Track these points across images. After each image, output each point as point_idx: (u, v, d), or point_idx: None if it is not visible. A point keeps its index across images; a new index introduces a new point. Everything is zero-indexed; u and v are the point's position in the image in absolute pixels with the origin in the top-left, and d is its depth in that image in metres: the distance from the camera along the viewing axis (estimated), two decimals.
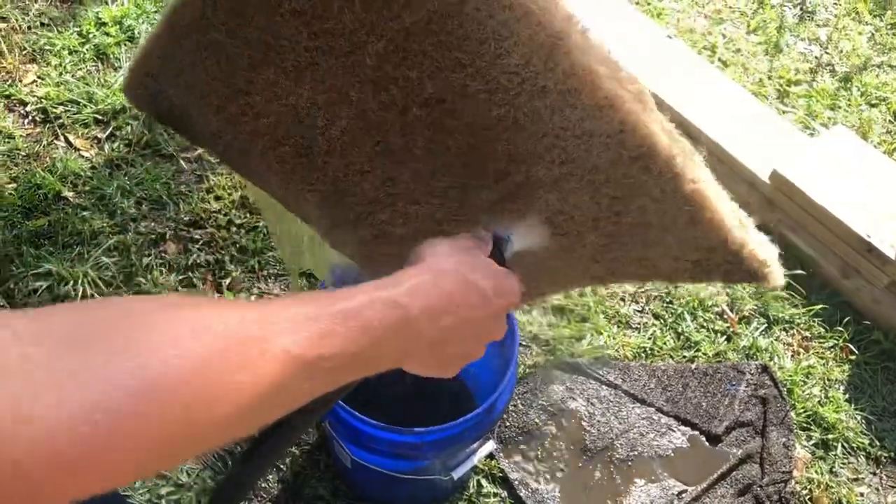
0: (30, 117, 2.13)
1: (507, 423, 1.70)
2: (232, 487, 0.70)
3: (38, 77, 2.21)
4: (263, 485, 1.58)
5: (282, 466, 1.61)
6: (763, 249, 0.80)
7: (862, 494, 1.71)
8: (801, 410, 1.79)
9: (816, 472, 1.72)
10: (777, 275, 0.82)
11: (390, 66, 0.76)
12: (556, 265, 0.91)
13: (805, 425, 1.78)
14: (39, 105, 2.14)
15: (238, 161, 0.95)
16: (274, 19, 0.76)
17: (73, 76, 2.21)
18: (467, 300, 0.66)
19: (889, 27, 2.73)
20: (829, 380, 1.86)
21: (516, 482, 1.63)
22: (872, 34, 2.70)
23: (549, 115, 0.72)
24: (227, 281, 1.85)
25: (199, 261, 1.87)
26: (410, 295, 0.61)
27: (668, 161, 0.71)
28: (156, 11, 2.39)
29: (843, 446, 1.76)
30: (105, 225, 1.90)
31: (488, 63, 0.72)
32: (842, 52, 2.63)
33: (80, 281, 1.77)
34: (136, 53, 0.86)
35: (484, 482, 1.62)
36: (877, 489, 1.73)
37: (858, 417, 1.80)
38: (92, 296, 1.76)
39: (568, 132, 0.73)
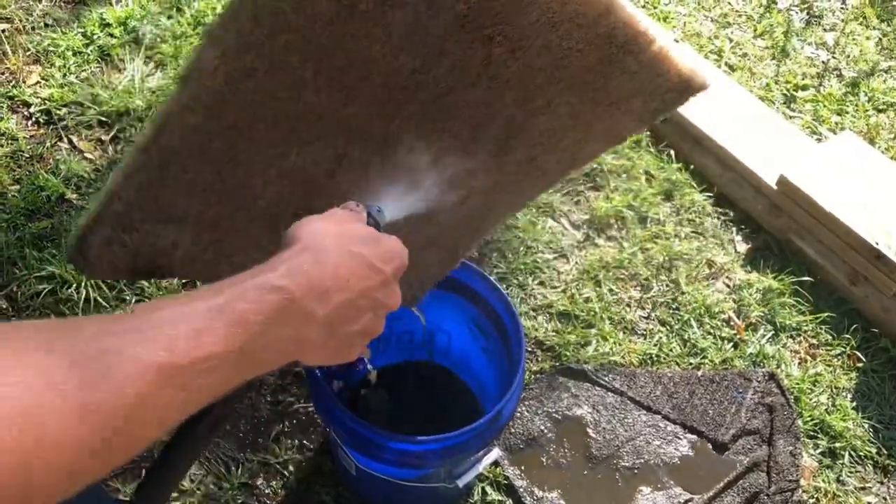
0: (33, 119, 2.12)
1: (513, 431, 1.69)
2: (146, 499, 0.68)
3: (42, 78, 2.20)
4: (267, 491, 1.57)
5: (285, 472, 1.60)
6: (696, 65, 0.92)
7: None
8: (809, 418, 1.78)
9: (823, 480, 1.71)
10: (704, 76, 0.92)
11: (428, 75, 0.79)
12: (515, 189, 1.01)
13: (812, 433, 1.77)
14: (43, 106, 2.13)
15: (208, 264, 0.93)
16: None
17: (77, 77, 2.20)
18: (356, 272, 0.62)
19: None
20: (836, 388, 1.85)
21: (521, 490, 1.61)
22: (880, 39, 2.69)
23: (558, 42, 0.80)
24: None
25: None
26: (290, 276, 0.57)
27: (645, 36, 0.83)
28: (159, 13, 2.38)
29: (850, 455, 1.74)
30: None
31: (518, 25, 0.76)
32: (849, 56, 2.61)
33: (82, 284, 1.76)
34: (98, 218, 0.79)
35: (489, 489, 1.61)
36: (884, 498, 1.71)
37: (866, 426, 1.79)
38: (95, 298, 1.75)
39: (572, 49, 0.81)
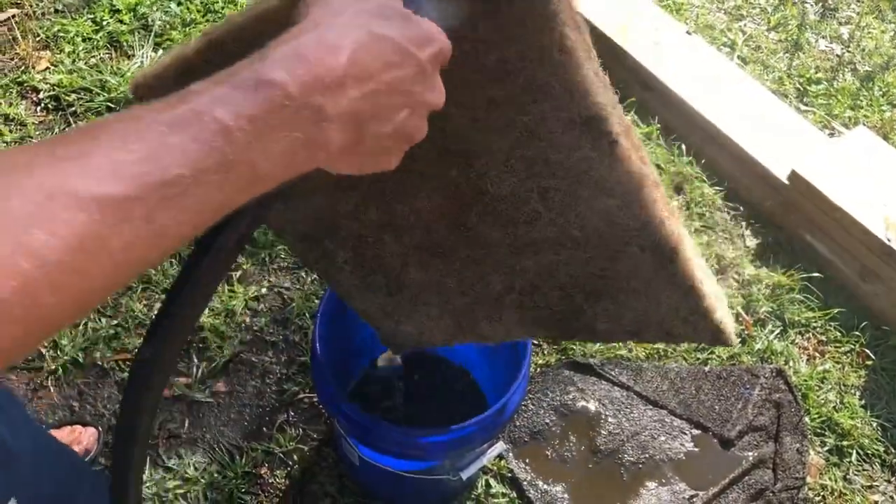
0: (42, 104, 2.12)
1: (518, 424, 1.69)
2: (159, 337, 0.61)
3: (52, 64, 2.20)
4: (271, 480, 1.57)
5: (289, 462, 1.60)
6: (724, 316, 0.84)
7: (876, 503, 1.69)
8: (816, 416, 1.77)
9: (830, 478, 1.70)
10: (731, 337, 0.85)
11: None
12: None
13: (819, 431, 1.76)
14: (52, 92, 2.13)
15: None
16: None
17: (86, 63, 2.20)
18: (380, 57, 0.50)
19: None
20: (844, 385, 1.83)
21: (525, 483, 1.61)
22: None
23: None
24: (238, 273, 1.84)
25: None
26: (284, 65, 0.45)
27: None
28: None
29: (857, 453, 1.73)
30: None
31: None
32: (864, 50, 2.58)
33: None
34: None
35: (493, 482, 1.61)
36: (891, 497, 1.70)
37: (874, 424, 1.77)
38: None
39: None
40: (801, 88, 2.44)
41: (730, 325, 0.84)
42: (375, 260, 0.89)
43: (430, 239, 0.84)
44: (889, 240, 1.86)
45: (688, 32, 2.36)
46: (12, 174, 0.38)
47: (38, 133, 2.04)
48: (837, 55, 2.56)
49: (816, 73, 2.48)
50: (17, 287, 0.36)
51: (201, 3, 2.38)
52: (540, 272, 0.85)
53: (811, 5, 2.72)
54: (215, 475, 1.57)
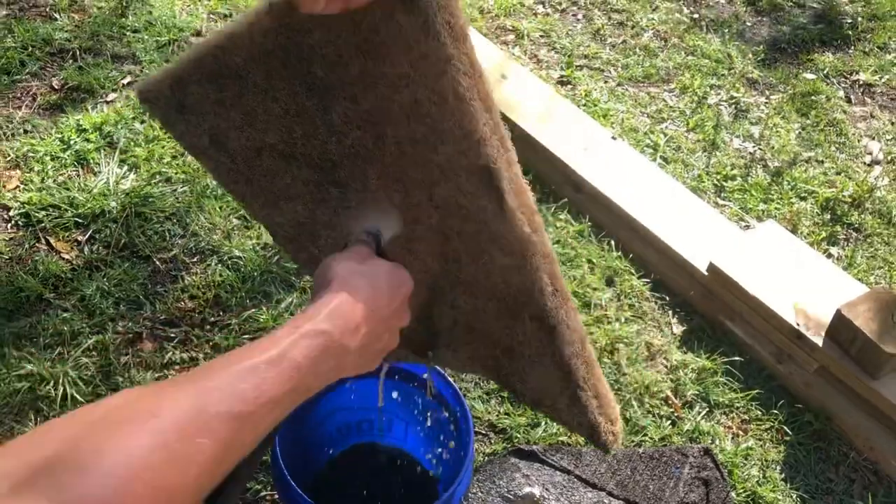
0: (13, 222, 2.24)
1: None
2: None
3: (21, 183, 2.34)
4: None
5: None
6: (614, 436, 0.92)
7: None
8: (742, 491, 1.92)
9: None
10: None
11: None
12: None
13: None
14: (22, 210, 2.25)
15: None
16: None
17: (54, 181, 2.34)
18: (378, 305, 0.78)
19: (814, 125, 2.98)
20: (766, 460, 1.99)
21: None
22: (800, 131, 2.94)
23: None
24: None
25: (174, 359, 1.97)
26: (331, 320, 0.72)
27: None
28: (133, 118, 2.54)
29: None
30: (84, 325, 2.00)
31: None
32: (773, 148, 2.85)
33: (60, 381, 1.86)
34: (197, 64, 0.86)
35: None
36: None
37: (794, 496, 1.93)
38: (72, 395, 1.85)
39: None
40: (718, 184, 2.68)
41: (607, 430, 0.89)
42: None
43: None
44: (798, 324, 2.06)
45: (613, 137, 2.60)
46: (181, 402, 0.60)
47: (8, 249, 2.16)
48: (750, 153, 2.83)
49: (732, 169, 2.73)
50: (202, 463, 0.58)
51: None
52: (471, 312, 0.93)
53: (725, 107, 3.00)
54: None
